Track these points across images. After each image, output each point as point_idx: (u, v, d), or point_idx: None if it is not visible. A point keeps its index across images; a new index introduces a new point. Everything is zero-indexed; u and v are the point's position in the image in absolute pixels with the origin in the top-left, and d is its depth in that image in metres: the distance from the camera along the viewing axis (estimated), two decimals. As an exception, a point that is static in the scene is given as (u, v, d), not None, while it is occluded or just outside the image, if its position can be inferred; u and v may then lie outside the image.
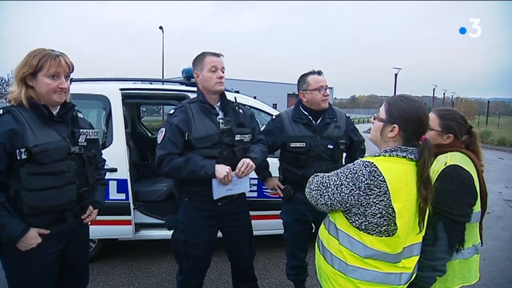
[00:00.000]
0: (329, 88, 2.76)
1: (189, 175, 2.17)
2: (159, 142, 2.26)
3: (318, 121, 2.64)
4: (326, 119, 2.64)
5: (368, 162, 1.46)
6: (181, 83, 3.91)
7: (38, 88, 1.76)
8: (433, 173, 1.72)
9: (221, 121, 2.31)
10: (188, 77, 3.79)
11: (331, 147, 2.61)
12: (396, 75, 24.53)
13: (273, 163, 2.88)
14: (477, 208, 1.78)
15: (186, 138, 2.23)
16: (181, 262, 2.44)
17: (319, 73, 2.63)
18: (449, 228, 1.67)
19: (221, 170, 2.17)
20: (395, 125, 1.51)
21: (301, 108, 2.67)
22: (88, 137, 1.97)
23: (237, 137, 2.34)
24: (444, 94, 51.59)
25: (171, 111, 2.37)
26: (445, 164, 1.74)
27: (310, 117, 2.63)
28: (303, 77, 2.65)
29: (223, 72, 2.31)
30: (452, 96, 59.12)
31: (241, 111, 2.48)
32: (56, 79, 1.77)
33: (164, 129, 2.27)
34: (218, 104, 2.39)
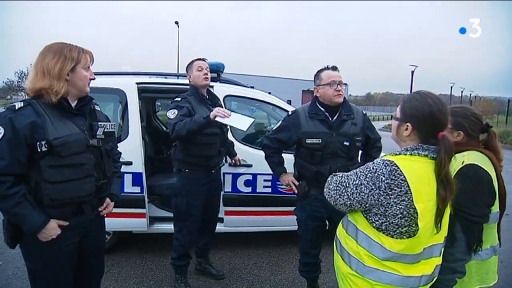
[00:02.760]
0: (344, 84, 2.73)
1: (193, 125, 2.71)
2: (172, 118, 2.88)
3: (335, 117, 2.61)
4: (343, 116, 2.61)
5: (389, 161, 1.43)
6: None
7: (76, 80, 1.81)
8: None
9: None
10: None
11: (347, 144, 2.58)
12: (412, 72, 24.17)
13: (288, 159, 2.86)
14: (496, 208, 1.73)
15: None
16: (182, 222, 3.10)
17: (333, 68, 2.62)
18: (467, 229, 1.62)
19: (213, 111, 2.71)
20: (408, 124, 1.49)
21: (318, 104, 2.65)
22: (105, 130, 1.99)
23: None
24: (462, 92, 50.63)
25: (177, 99, 3.01)
26: (462, 163, 1.68)
27: (327, 113, 2.60)
28: (318, 73, 2.67)
29: (207, 71, 3.06)
30: (470, 94, 57.98)
31: (221, 102, 3.35)
32: (87, 71, 1.86)
33: (175, 110, 2.91)
34: (206, 97, 3.14)
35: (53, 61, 1.75)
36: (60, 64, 1.75)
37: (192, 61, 3.15)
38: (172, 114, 2.90)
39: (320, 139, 2.56)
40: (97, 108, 2.04)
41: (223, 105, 3.35)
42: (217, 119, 2.67)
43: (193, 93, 3.07)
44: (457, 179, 1.55)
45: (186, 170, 3.03)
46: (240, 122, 2.76)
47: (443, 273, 1.60)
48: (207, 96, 3.16)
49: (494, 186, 1.69)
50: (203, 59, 3.17)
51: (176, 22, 27.78)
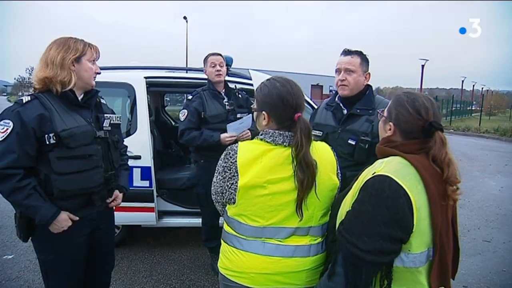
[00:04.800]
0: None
1: (202, 142, 3.02)
2: (182, 120, 3.13)
3: (350, 111, 2.25)
4: (356, 110, 2.22)
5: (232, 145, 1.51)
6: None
7: (81, 72, 1.82)
8: (357, 184, 1.29)
9: (226, 103, 3.17)
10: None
11: (353, 143, 2.16)
12: (423, 66, 23.71)
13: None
14: (419, 247, 1.17)
15: (202, 116, 3.08)
16: (205, 208, 3.22)
17: (344, 52, 2.23)
18: (349, 265, 1.19)
19: (223, 136, 2.96)
20: (263, 112, 1.47)
21: (338, 94, 2.34)
22: (112, 121, 2.00)
23: (238, 115, 3.21)
24: (473, 86, 49.94)
25: (190, 97, 3.21)
26: (373, 174, 1.21)
27: (341, 106, 2.28)
28: None
29: (221, 67, 3.12)
30: (482, 88, 57.20)
31: (240, 95, 3.36)
32: (93, 64, 1.88)
33: (185, 110, 3.13)
34: (223, 90, 3.23)
35: (56, 52, 1.77)
36: (63, 53, 1.76)
37: (207, 56, 3.18)
38: (182, 115, 3.13)
39: (321, 132, 2.28)
40: (102, 101, 2.06)
41: (240, 96, 3.37)
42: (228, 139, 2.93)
43: (208, 88, 3.20)
44: (358, 194, 1.22)
45: (202, 161, 3.19)
46: (244, 124, 3.03)
47: None
48: (223, 90, 3.23)
49: (411, 213, 1.14)
50: (217, 54, 3.17)
51: (185, 17, 27.78)
